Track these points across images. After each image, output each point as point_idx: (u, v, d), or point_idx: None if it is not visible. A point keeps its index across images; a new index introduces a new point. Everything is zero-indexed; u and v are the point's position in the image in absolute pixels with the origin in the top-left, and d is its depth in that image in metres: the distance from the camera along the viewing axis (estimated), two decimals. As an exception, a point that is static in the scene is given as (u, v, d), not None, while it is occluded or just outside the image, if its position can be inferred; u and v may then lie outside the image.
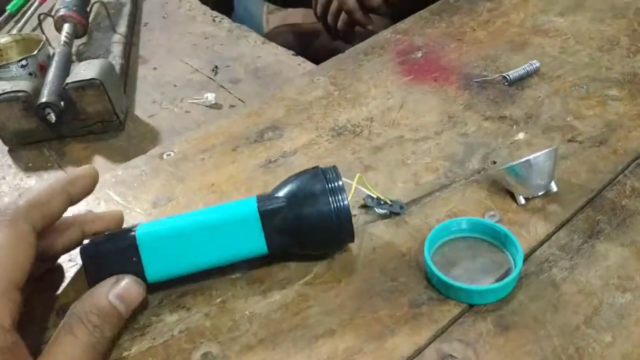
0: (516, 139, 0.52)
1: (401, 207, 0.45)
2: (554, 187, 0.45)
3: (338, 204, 0.39)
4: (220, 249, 0.40)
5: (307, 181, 0.41)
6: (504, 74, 0.58)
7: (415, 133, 0.54)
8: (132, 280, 0.38)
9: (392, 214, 0.45)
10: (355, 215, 0.46)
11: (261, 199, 0.40)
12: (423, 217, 0.45)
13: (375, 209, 0.46)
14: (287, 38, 1.29)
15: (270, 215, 0.40)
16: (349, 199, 0.40)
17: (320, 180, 0.40)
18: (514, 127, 0.53)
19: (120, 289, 0.37)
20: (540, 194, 0.45)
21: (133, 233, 0.39)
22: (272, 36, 1.33)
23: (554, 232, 0.43)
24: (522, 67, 0.58)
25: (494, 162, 0.49)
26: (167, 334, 0.39)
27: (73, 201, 0.39)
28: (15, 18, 0.91)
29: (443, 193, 0.47)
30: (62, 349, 0.34)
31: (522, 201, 0.45)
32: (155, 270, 0.39)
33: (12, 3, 0.91)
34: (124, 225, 0.44)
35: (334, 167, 0.41)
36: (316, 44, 1.24)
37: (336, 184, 0.40)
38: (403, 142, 0.53)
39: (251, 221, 0.40)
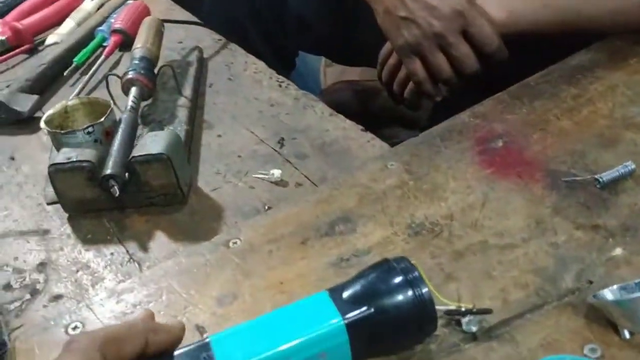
0: (613, 254, 0.47)
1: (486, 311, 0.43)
2: (665, 324, 0.41)
3: (420, 295, 0.38)
4: None
5: (385, 277, 0.39)
6: (596, 176, 0.54)
7: (501, 238, 0.50)
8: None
9: (477, 314, 0.42)
10: (437, 334, 0.42)
11: (341, 306, 0.38)
12: (514, 345, 0.41)
13: (461, 321, 0.42)
14: (347, 95, 1.27)
15: (358, 327, 0.37)
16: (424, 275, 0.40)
17: (396, 273, 0.39)
18: (610, 240, 0.49)
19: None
20: (649, 330, 0.41)
21: None
22: (331, 92, 1.31)
23: (665, 378, 0.38)
24: (616, 169, 0.54)
25: (590, 282, 0.45)
26: None
27: (149, 349, 0.37)
28: (80, 70, 0.91)
29: (535, 315, 0.43)
30: None
31: (627, 336, 0.40)
32: None
33: (79, 55, 0.91)
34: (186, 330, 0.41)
35: (404, 258, 0.40)
36: (376, 102, 1.21)
37: (412, 275, 0.39)
38: (487, 249, 0.49)
39: (338, 337, 0.37)
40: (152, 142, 0.60)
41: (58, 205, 0.63)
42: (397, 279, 0.39)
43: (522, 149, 0.60)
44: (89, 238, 0.60)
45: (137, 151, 0.60)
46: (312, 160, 0.66)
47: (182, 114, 0.73)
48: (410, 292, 0.38)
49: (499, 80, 0.72)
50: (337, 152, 0.67)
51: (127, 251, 0.58)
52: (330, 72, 1.36)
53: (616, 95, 0.66)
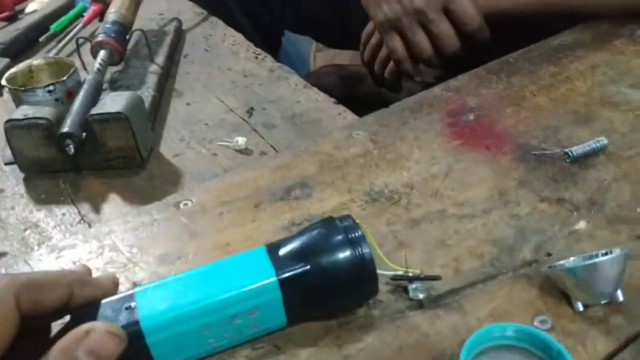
0: (576, 228, 0.45)
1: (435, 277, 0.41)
2: (619, 297, 0.38)
3: (361, 255, 0.36)
4: (233, 329, 0.35)
5: (326, 235, 0.37)
6: (566, 150, 0.51)
7: (460, 208, 0.47)
8: (104, 330, 0.31)
9: (425, 280, 0.40)
10: (381, 301, 0.40)
11: (277, 262, 0.36)
12: (462, 314, 0.39)
13: (408, 288, 0.40)
14: (332, 79, 1.25)
15: (293, 284, 0.35)
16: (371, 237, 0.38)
17: (338, 231, 0.37)
18: (574, 213, 0.46)
19: (92, 343, 0.30)
20: (602, 302, 0.38)
21: (136, 318, 0.34)
22: (317, 75, 1.29)
23: (617, 351, 0.36)
24: (588, 143, 0.52)
25: (549, 255, 0.43)
26: None
27: (73, 301, 0.34)
28: (58, 38, 0.89)
29: (487, 286, 0.41)
30: None
31: (580, 308, 0.38)
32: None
33: (57, 22, 0.90)
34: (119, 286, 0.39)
35: (348, 216, 0.38)
36: (362, 87, 1.19)
37: (355, 233, 0.37)
38: (445, 218, 0.47)
39: (271, 294, 0.35)
40: (111, 102, 0.58)
41: (15, 167, 0.61)
42: (338, 237, 0.37)
43: (493, 122, 0.57)
44: (42, 198, 0.58)
45: (95, 110, 0.58)
46: (280, 130, 0.64)
47: (152, 80, 0.71)
48: (349, 251, 0.36)
49: (481, 62, 0.70)
50: (306, 123, 0.65)
51: (79, 212, 0.56)
52: (320, 57, 1.35)
53: (596, 74, 0.64)
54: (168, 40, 0.81)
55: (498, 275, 0.41)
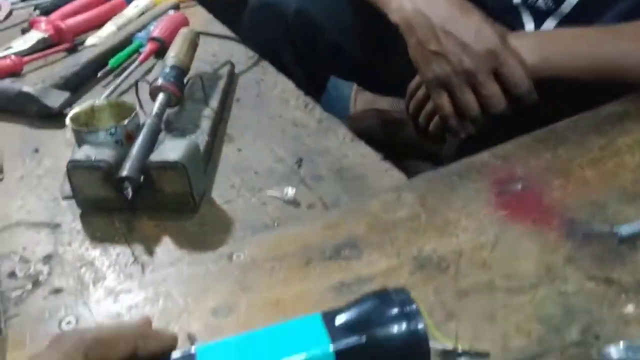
0: (624, 311, 0.45)
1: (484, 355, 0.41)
2: (669, 389, 0.39)
3: (416, 331, 0.37)
4: None
5: (382, 308, 0.38)
6: (615, 230, 0.52)
7: (508, 281, 0.48)
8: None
9: (475, 357, 0.41)
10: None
11: (333, 332, 0.37)
12: (509, 394, 0.39)
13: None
14: (373, 123, 1.27)
15: (348, 356, 0.36)
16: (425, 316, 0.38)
17: (393, 305, 0.38)
18: (622, 295, 0.47)
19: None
20: (652, 395, 0.39)
21: None
22: (358, 118, 1.32)
23: None
24: (637, 222, 0.52)
25: (597, 337, 0.43)
26: None
27: (137, 355, 0.36)
28: (114, 73, 0.93)
29: (533, 365, 0.41)
30: None
31: (629, 397, 0.39)
32: None
33: (115, 58, 0.93)
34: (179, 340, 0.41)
35: (403, 289, 0.39)
36: (402, 134, 1.21)
37: (410, 308, 0.38)
38: (493, 291, 0.47)
39: None
40: (170, 149, 0.61)
41: (72, 202, 0.64)
42: (394, 311, 0.38)
43: (540, 194, 0.58)
44: (97, 236, 0.61)
45: (155, 156, 0.60)
46: (327, 183, 0.66)
47: (206, 124, 0.74)
48: (405, 326, 0.37)
49: (527, 122, 0.71)
50: (353, 178, 0.67)
51: (133, 253, 0.58)
52: (360, 99, 1.37)
53: (645, 148, 0.64)
54: (221, 84, 0.84)
55: (544, 355, 0.42)
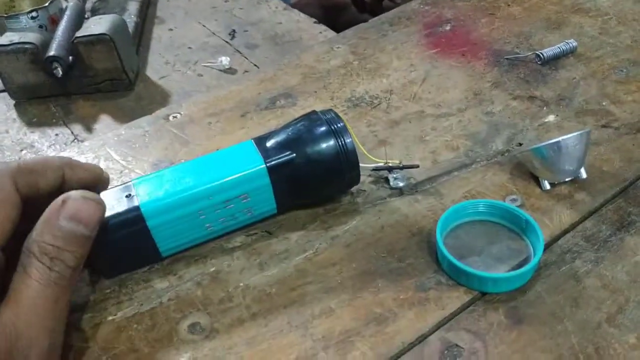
0: (545, 121, 0.48)
1: (413, 166, 0.43)
2: (583, 174, 0.41)
3: (343, 144, 0.39)
4: (227, 214, 0.38)
5: (310, 126, 0.39)
6: (537, 52, 0.54)
7: (437, 109, 0.50)
8: (80, 196, 0.32)
9: (404, 168, 0.43)
10: (364, 190, 0.43)
11: (265, 152, 0.38)
12: (438, 197, 0.42)
13: (389, 178, 0.43)
14: (314, 9, 1.25)
15: (280, 171, 0.38)
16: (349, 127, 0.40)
17: (321, 123, 0.39)
18: (544, 108, 0.49)
19: (71, 209, 0.32)
20: (567, 180, 0.41)
21: (136, 204, 0.36)
22: (299, 6, 1.29)
23: (579, 222, 0.39)
24: (557, 45, 0.54)
25: (520, 144, 0.46)
26: (155, 301, 0.36)
27: (65, 184, 0.36)
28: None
29: (462, 173, 0.44)
30: (20, 294, 0.30)
31: (547, 186, 0.41)
32: (167, 244, 0.37)
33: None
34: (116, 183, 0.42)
35: (331, 110, 0.41)
36: (344, 17, 1.20)
37: (338, 125, 0.39)
38: (423, 118, 0.49)
39: (260, 180, 0.38)
40: (95, 25, 0.59)
41: (5, 94, 0.63)
42: (322, 128, 0.39)
43: (468, 31, 0.59)
44: (34, 121, 0.60)
45: (80, 33, 0.59)
46: (262, 49, 0.66)
47: (133, 7, 0.72)
48: (332, 140, 0.38)
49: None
50: (288, 42, 0.66)
51: (72, 132, 0.58)
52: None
53: (569, -16, 0.65)
54: (147, -31, 0.81)
55: (472, 164, 0.44)
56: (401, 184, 0.43)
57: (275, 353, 0.33)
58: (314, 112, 0.41)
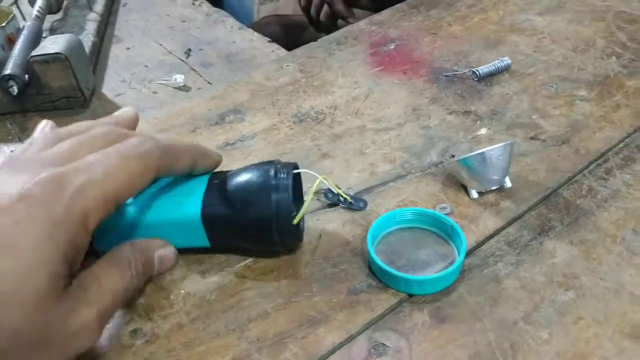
0: (478, 134, 0.51)
1: (364, 204, 0.44)
2: (508, 183, 0.44)
3: (280, 213, 0.37)
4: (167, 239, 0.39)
5: (255, 182, 0.38)
6: (473, 69, 0.57)
7: (378, 123, 0.53)
8: (174, 250, 0.39)
9: (352, 210, 0.44)
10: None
11: (208, 198, 0.38)
12: (374, 207, 0.44)
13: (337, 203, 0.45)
14: (275, 29, 1.28)
15: (213, 220, 0.38)
16: (309, 199, 0.38)
17: (267, 186, 0.37)
18: (478, 122, 0.52)
19: (165, 252, 0.39)
20: (493, 188, 0.44)
21: None
22: (259, 26, 1.32)
23: (503, 228, 0.42)
24: (493, 63, 0.57)
25: (453, 156, 0.48)
26: (98, 310, 0.38)
27: (194, 172, 0.39)
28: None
29: (397, 183, 0.46)
30: (106, 278, 0.34)
31: (475, 195, 0.44)
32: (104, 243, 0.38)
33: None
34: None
35: (292, 163, 0.39)
36: (303, 36, 1.23)
37: (283, 181, 0.37)
38: (364, 132, 0.52)
39: (194, 223, 0.38)
40: (51, 44, 0.61)
41: (-39, 112, 0.64)
42: (268, 182, 0.37)
43: (411, 50, 0.62)
44: (-11, 139, 0.61)
45: (36, 52, 0.60)
46: (217, 67, 0.68)
47: (91, 27, 0.74)
48: (272, 198, 0.37)
49: None
50: (241, 61, 0.69)
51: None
52: (263, 10, 1.37)
53: (508, 5, 0.69)
54: (106, -10, 0.83)
55: (407, 175, 0.47)
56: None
57: (212, 355, 0.35)
58: (271, 161, 0.40)
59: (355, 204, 0.44)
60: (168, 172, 0.37)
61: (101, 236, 0.38)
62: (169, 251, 0.39)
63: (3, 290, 0.28)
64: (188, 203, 0.38)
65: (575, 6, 0.68)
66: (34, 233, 0.29)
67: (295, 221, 0.37)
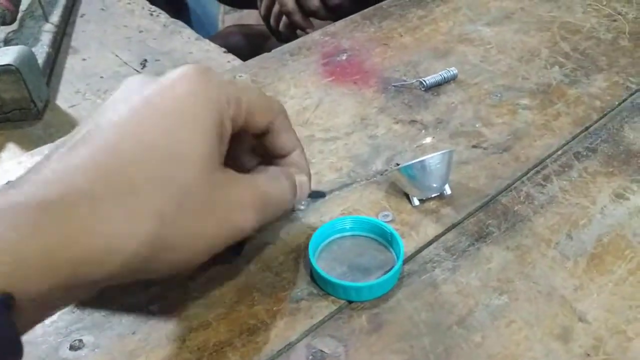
0: (423, 142, 0.52)
1: (323, 193, 0.46)
2: (448, 190, 0.46)
3: None
4: None
5: None
6: (420, 79, 0.58)
7: (326, 133, 0.54)
8: (307, 180, 0.41)
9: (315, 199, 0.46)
10: (252, 210, 0.46)
11: None
12: (318, 215, 0.45)
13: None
14: (238, 39, 1.29)
15: None
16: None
17: None
18: (423, 131, 0.53)
19: (303, 178, 0.40)
20: (433, 195, 0.45)
21: None
22: (222, 36, 1.32)
23: (442, 234, 0.43)
24: (440, 73, 0.59)
25: (397, 165, 0.50)
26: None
27: (268, 132, 0.39)
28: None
29: (342, 192, 0.47)
30: (279, 190, 0.37)
31: (417, 203, 0.45)
32: None
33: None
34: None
35: None
36: (266, 46, 1.24)
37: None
38: (312, 142, 0.53)
39: None
40: (2, 56, 0.61)
41: None
42: None
43: (362, 61, 0.64)
44: (-61, 151, 0.61)
45: (-14, 64, 0.60)
46: (172, 78, 0.68)
47: (46, 38, 0.74)
48: None
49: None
50: (197, 72, 0.69)
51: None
52: (228, 20, 1.38)
53: (458, 16, 0.71)
54: (63, 1, 0.83)
55: (353, 184, 0.48)
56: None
57: (151, 365, 0.35)
58: None
59: (312, 194, 0.45)
60: (244, 127, 0.37)
61: None
62: (304, 178, 0.40)
63: (178, 152, 0.31)
64: None
65: (523, 17, 0.70)
66: (196, 104, 0.32)
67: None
